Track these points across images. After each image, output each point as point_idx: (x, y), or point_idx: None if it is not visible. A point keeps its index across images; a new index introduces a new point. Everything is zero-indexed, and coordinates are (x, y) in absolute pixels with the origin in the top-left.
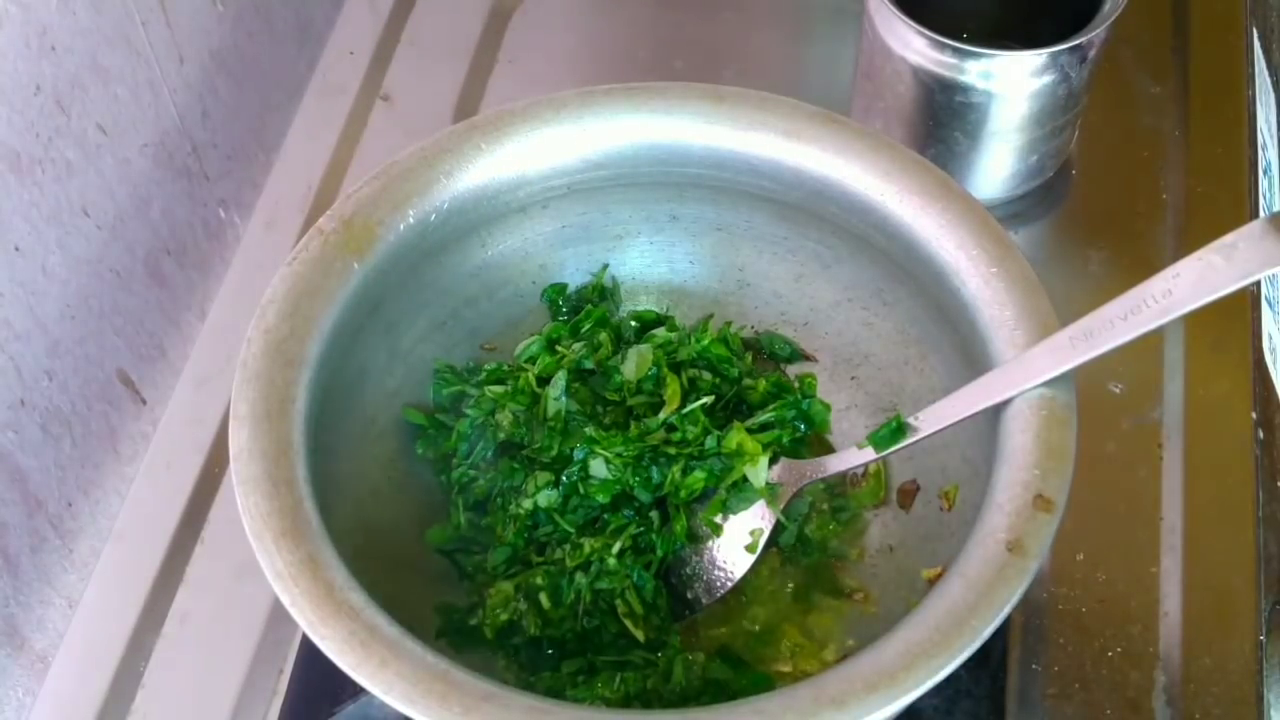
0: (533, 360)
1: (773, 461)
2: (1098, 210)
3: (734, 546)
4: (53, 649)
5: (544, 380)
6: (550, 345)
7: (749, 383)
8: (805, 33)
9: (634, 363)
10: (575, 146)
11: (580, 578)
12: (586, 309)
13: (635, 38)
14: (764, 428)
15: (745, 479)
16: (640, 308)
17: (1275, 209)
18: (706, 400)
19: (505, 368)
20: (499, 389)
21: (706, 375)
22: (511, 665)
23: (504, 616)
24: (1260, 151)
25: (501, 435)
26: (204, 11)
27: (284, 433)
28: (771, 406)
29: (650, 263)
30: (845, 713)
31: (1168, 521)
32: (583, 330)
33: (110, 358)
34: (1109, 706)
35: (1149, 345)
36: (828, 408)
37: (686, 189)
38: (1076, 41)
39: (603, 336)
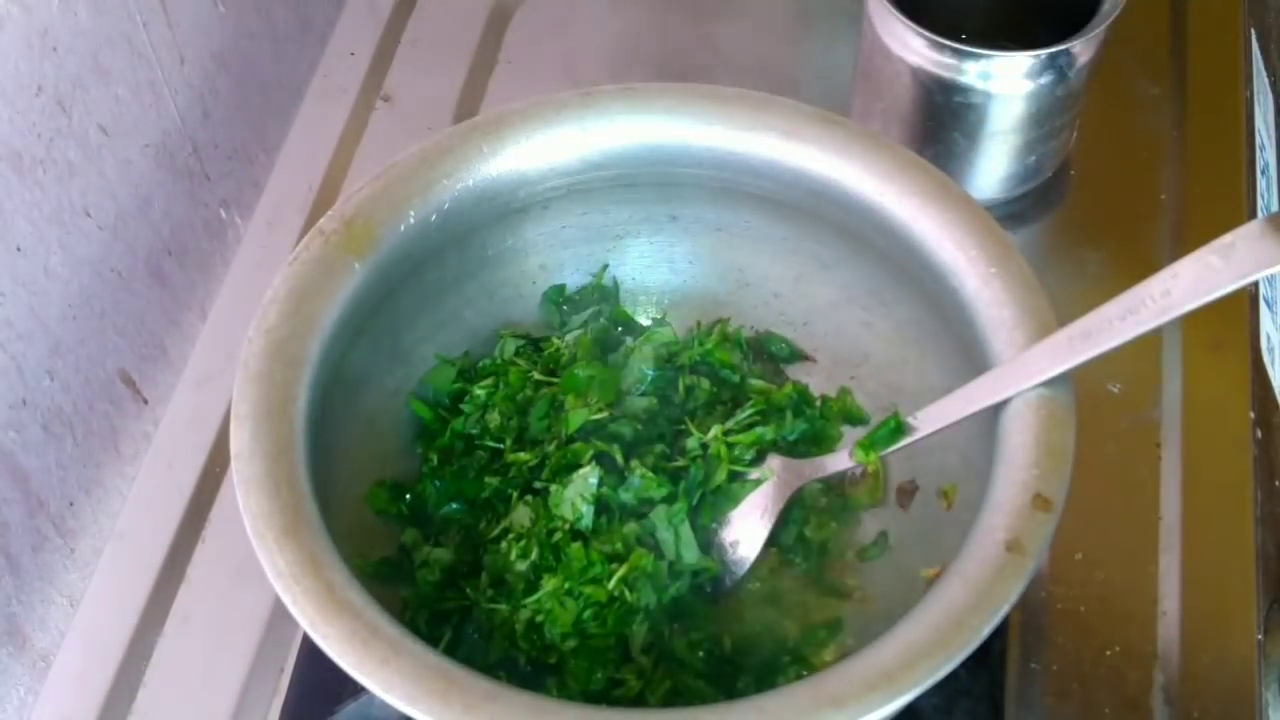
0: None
1: (768, 459)
2: (1096, 211)
3: (733, 547)
4: (54, 648)
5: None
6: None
7: (758, 384)
8: (805, 33)
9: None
10: (576, 147)
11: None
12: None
13: (635, 38)
14: (749, 426)
15: (739, 478)
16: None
17: (1273, 209)
18: (716, 430)
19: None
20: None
21: (705, 383)
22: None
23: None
24: (1258, 152)
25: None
26: (205, 12)
27: (285, 432)
28: (752, 403)
29: (650, 263)
30: (844, 712)
31: (1166, 521)
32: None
33: (112, 357)
34: (1107, 705)
35: (1147, 345)
36: (840, 435)
37: (686, 189)
38: (1075, 43)
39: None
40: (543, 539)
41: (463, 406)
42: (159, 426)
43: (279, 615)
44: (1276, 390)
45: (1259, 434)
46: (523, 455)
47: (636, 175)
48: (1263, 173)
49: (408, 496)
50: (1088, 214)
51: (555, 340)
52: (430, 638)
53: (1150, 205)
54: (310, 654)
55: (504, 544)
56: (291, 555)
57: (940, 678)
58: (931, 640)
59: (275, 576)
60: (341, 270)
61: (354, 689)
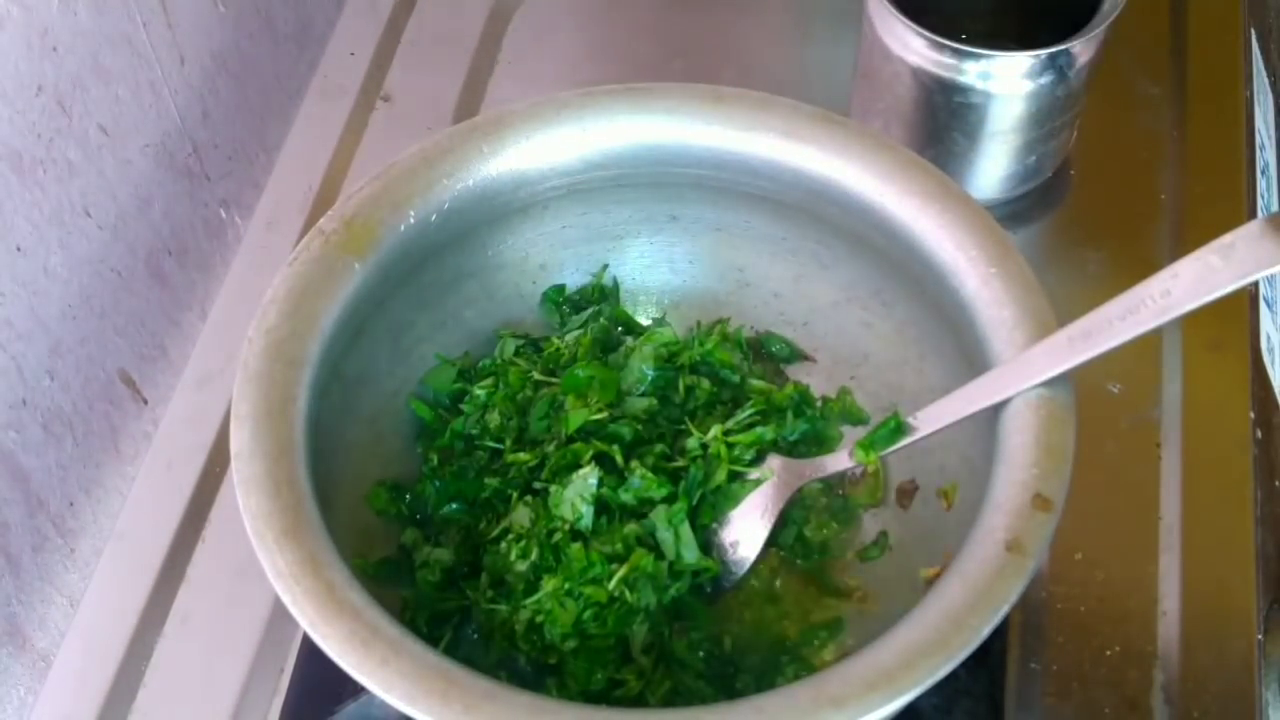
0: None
1: (768, 459)
2: (1096, 211)
3: (733, 547)
4: (54, 648)
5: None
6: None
7: (758, 384)
8: (805, 33)
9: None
10: (576, 147)
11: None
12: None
13: (635, 38)
14: (749, 426)
15: (739, 478)
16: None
17: (1273, 209)
18: (716, 431)
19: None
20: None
21: (705, 384)
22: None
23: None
24: (1258, 152)
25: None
26: (205, 12)
27: (284, 432)
28: (752, 403)
29: (650, 263)
30: (844, 712)
31: (1166, 521)
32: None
33: (112, 357)
34: (1107, 705)
35: (1147, 345)
36: (840, 435)
37: (686, 189)
38: (1075, 42)
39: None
40: (543, 539)
41: (463, 406)
42: (159, 426)
43: (279, 615)
44: (1276, 390)
45: (1259, 434)
46: (523, 455)
47: (636, 175)
48: (1263, 173)
49: (408, 496)
50: (1088, 214)
51: (555, 340)
52: (430, 638)
53: (1150, 205)
54: (310, 654)
55: (504, 544)
56: (291, 555)
57: (940, 678)
58: (931, 640)
59: (275, 576)
60: (341, 270)
61: (354, 689)
